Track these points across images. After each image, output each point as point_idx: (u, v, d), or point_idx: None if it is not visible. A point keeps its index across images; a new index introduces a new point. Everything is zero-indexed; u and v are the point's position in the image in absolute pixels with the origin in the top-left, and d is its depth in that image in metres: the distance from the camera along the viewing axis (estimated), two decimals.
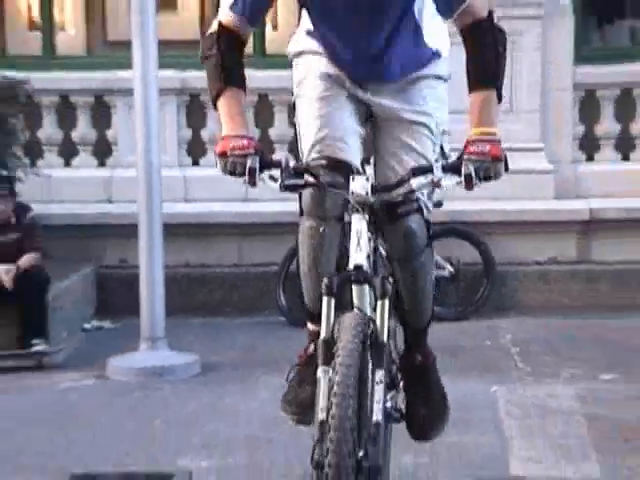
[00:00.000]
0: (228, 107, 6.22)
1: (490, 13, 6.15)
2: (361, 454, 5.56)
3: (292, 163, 6.02)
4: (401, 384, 6.68)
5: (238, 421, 10.56)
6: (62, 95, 16.83)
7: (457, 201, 14.92)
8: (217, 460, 9.82)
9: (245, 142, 6.01)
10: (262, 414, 11.55)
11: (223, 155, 6.00)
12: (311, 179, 6.04)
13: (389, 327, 6.13)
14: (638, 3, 17.67)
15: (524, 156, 15.86)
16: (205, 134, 16.48)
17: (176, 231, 14.27)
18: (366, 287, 5.98)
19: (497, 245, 15.49)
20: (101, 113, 16.76)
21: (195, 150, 16.66)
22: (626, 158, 16.48)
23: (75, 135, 16.90)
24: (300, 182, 6.06)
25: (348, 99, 6.44)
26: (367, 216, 5.89)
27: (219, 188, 14.81)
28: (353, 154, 6.20)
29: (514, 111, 15.95)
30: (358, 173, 6.05)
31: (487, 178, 5.81)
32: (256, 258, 15.42)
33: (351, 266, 5.88)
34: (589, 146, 16.52)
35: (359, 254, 5.87)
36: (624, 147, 16.51)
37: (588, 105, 16.42)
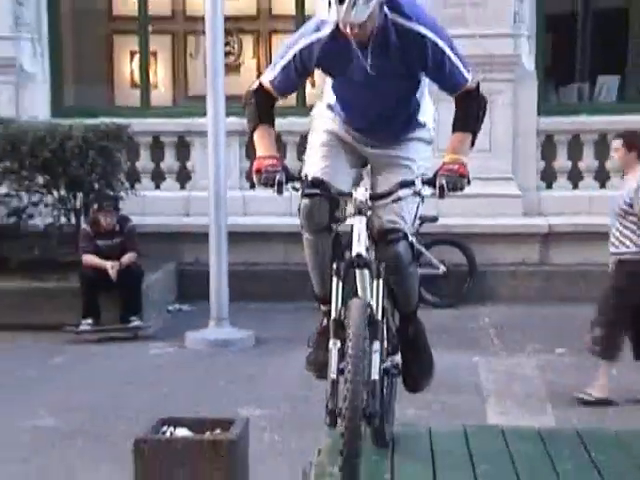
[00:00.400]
0: (261, 137, 6.22)
1: (478, 85, 6.17)
2: (365, 403, 5.62)
3: (310, 177, 6.06)
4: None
5: (282, 382, 10.39)
6: (154, 136, 16.75)
7: (449, 217, 15.04)
8: (266, 410, 9.72)
9: (274, 161, 6.05)
10: (300, 377, 11.30)
11: (258, 172, 6.05)
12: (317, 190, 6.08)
13: (387, 308, 6.32)
14: (584, 72, 17.62)
15: (499, 184, 15.80)
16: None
17: (237, 237, 14.13)
18: (365, 270, 5.98)
19: (479, 251, 15.37)
20: (182, 149, 16.62)
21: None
22: (576, 187, 16.31)
23: (163, 165, 16.80)
24: (316, 191, 6.05)
25: (348, 149, 6.51)
26: (365, 218, 5.90)
27: (270, 205, 14.88)
28: (342, 182, 6.24)
29: (492, 151, 15.72)
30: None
31: (454, 189, 5.90)
32: (297, 258, 15.10)
33: (353, 254, 5.88)
34: (548, 177, 16.37)
35: (359, 246, 5.87)
36: (574, 178, 16.33)
37: (547, 146, 16.26)
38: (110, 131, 15.49)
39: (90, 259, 14.09)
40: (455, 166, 5.95)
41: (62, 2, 17.28)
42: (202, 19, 14.22)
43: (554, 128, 16.39)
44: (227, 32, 14.22)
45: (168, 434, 6.83)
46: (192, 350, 13.43)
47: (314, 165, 6.33)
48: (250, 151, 6.45)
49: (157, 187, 16.77)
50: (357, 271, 5.97)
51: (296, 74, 6.13)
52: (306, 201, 6.14)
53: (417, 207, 6.27)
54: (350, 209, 5.94)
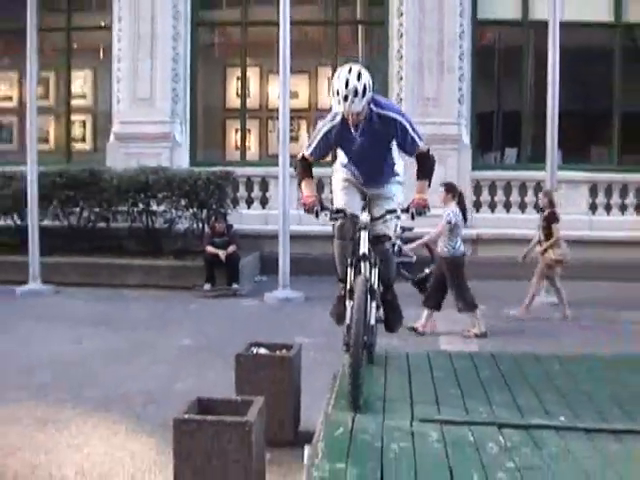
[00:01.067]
0: (305, 185, 6.40)
1: (428, 149, 6.32)
2: (365, 338, 5.77)
3: (334, 208, 6.34)
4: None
5: (320, 323, 10.34)
6: (248, 177, 16.74)
7: (419, 227, 14.70)
8: (311, 339, 9.65)
9: (313, 199, 6.21)
10: (331, 321, 11.37)
11: (304, 205, 6.24)
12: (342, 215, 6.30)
13: (377, 283, 6.40)
14: (497, 146, 17.55)
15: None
16: (322, 196, 16.26)
17: (295, 238, 14.06)
18: (367, 263, 6.05)
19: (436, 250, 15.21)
20: (263, 185, 16.63)
21: None
22: (493, 211, 16.42)
23: (253, 195, 16.90)
24: (340, 215, 6.30)
25: (356, 190, 6.58)
26: (367, 232, 6.08)
27: (312, 219, 14.66)
28: (357, 210, 6.33)
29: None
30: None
31: (420, 214, 6.20)
32: (329, 250, 15.16)
33: (360, 253, 6.03)
34: (477, 205, 16.31)
35: (364, 248, 6.03)
36: (492, 206, 16.33)
37: (477, 188, 16.21)
38: (222, 175, 15.58)
39: (210, 249, 14.18)
40: (421, 201, 6.17)
41: (198, 101, 17.40)
42: (276, 110, 14.33)
43: (480, 177, 16.34)
44: (291, 118, 14.25)
45: (254, 352, 6.98)
46: (268, 304, 13.36)
47: (338, 200, 6.55)
48: (299, 190, 6.50)
49: (248, 207, 16.73)
50: (362, 263, 6.04)
51: (324, 147, 6.31)
52: (337, 222, 6.36)
53: (396, 224, 6.58)
54: (359, 226, 6.10)
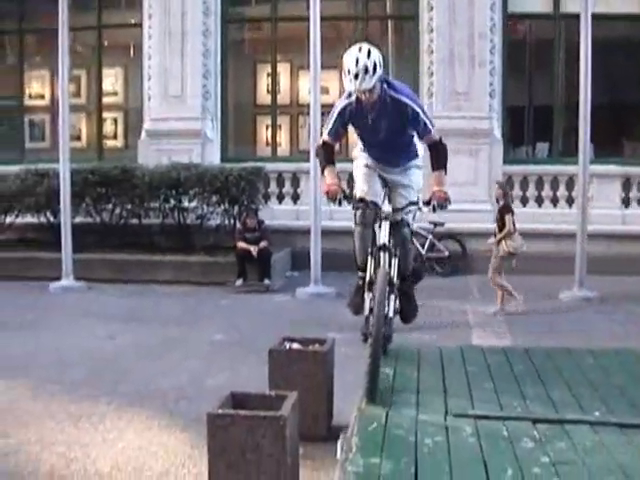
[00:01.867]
0: (328, 172, 6.37)
1: (440, 137, 6.39)
2: (383, 329, 5.72)
3: (358, 196, 6.40)
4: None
5: (351, 318, 10.31)
6: (279, 173, 16.78)
7: (451, 222, 14.84)
8: (342, 334, 9.45)
9: (336, 187, 6.25)
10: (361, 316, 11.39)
11: (327, 193, 6.27)
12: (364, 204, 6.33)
13: (396, 274, 6.37)
14: (529, 140, 17.42)
15: (480, 204, 15.64)
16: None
17: (326, 233, 13.97)
18: (387, 253, 6.09)
19: (468, 243, 15.26)
20: (295, 181, 16.63)
21: None
22: (524, 205, 16.25)
23: (284, 190, 16.91)
24: (360, 205, 6.34)
25: (377, 175, 6.59)
26: (388, 222, 6.13)
27: (343, 214, 14.65)
28: (377, 198, 6.43)
29: (476, 184, 15.69)
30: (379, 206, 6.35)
31: (441, 207, 6.26)
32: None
33: (381, 243, 6.08)
34: None
35: (385, 238, 6.07)
36: (523, 201, 16.23)
37: (509, 183, 16.06)
38: (253, 170, 15.62)
39: (241, 244, 14.23)
40: (441, 194, 6.22)
41: (229, 97, 17.45)
42: (307, 106, 14.34)
43: (512, 172, 16.26)
44: (321, 113, 14.19)
45: (287, 347, 6.98)
46: (299, 299, 13.38)
47: (359, 188, 6.60)
48: (322, 178, 6.57)
49: (280, 203, 16.77)
50: (382, 253, 6.08)
51: (341, 126, 6.34)
52: (358, 210, 6.39)
53: (415, 212, 6.56)
54: (381, 215, 6.15)
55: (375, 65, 5.86)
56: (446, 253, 15.32)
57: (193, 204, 15.43)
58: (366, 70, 5.81)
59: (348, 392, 6.72)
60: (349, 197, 6.35)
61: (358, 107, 6.13)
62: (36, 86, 18.93)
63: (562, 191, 16.15)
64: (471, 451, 4.57)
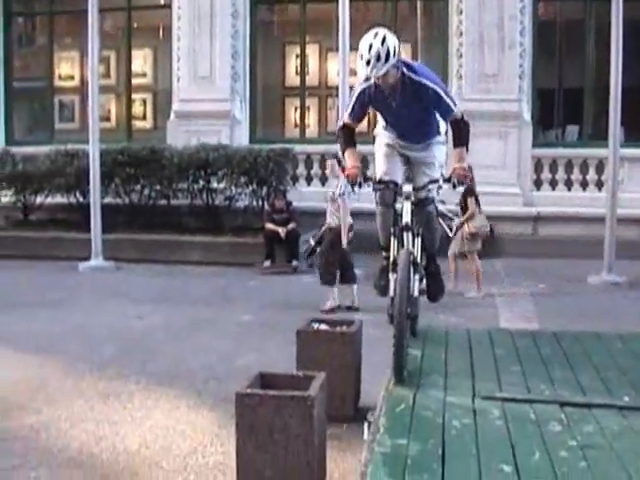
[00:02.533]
0: (349, 155, 6.27)
1: (462, 115, 6.24)
2: (408, 310, 5.72)
3: (377, 178, 6.31)
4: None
5: (381, 299, 10.20)
6: (307, 155, 16.77)
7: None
8: (369, 316, 9.31)
9: (356, 170, 6.14)
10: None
11: (348, 176, 6.16)
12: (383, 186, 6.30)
13: (420, 254, 6.30)
14: (559, 123, 17.27)
15: (509, 187, 15.61)
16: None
17: (354, 215, 13.83)
18: (410, 233, 6.05)
19: (497, 225, 15.09)
20: (323, 163, 16.57)
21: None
22: (554, 189, 16.21)
23: (312, 172, 16.87)
24: (380, 187, 6.30)
25: (397, 153, 6.49)
26: (410, 202, 6.03)
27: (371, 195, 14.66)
28: (397, 177, 6.34)
29: (505, 167, 15.62)
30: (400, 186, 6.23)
31: (461, 184, 6.16)
32: None
33: (403, 223, 6.01)
34: (537, 183, 16.16)
35: (407, 218, 6.01)
36: (553, 184, 16.14)
37: (537, 166, 16.03)
38: (282, 152, 15.64)
39: (270, 226, 14.28)
40: (461, 171, 6.06)
41: (257, 79, 17.44)
42: (335, 88, 14.35)
43: (541, 155, 16.20)
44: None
45: (316, 327, 7.00)
46: None
47: (379, 168, 6.52)
48: (343, 160, 6.38)
49: (308, 185, 16.79)
50: (405, 233, 6.04)
51: (360, 108, 6.22)
52: (378, 192, 6.37)
53: (437, 188, 6.39)
54: (402, 195, 6.09)
55: (388, 52, 5.75)
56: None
57: (222, 185, 15.48)
58: (378, 57, 5.73)
59: (375, 373, 6.72)
60: (370, 179, 6.31)
61: (377, 90, 6.04)
62: (66, 67, 19.00)
63: (592, 175, 16.06)
64: (498, 434, 4.56)
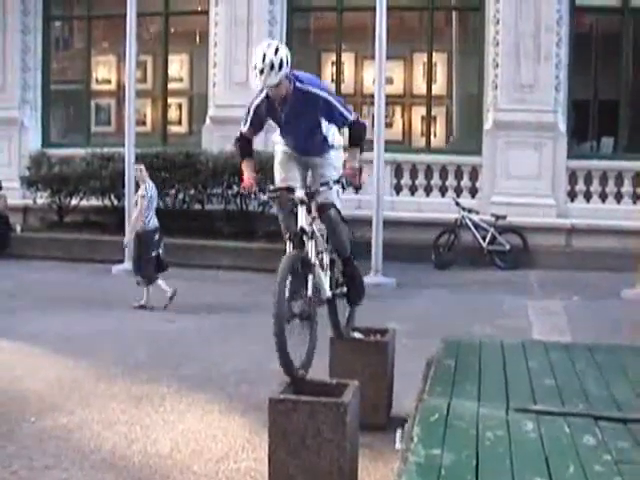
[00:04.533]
0: (245, 166, 6.33)
1: (357, 117, 6.31)
2: (301, 310, 5.81)
3: (271, 187, 6.25)
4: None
5: (411, 309, 10.28)
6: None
7: (513, 216, 14.75)
8: (402, 325, 9.30)
9: (251, 181, 6.18)
10: (425, 307, 11.35)
11: (244, 187, 6.27)
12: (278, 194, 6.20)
13: (334, 259, 6.58)
14: (593, 135, 17.14)
15: (541, 199, 15.53)
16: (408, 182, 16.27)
17: (387, 223, 13.90)
18: (305, 237, 5.99)
19: (530, 237, 15.12)
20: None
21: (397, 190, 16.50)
22: (588, 201, 16.05)
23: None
24: (274, 194, 6.20)
25: (295, 160, 6.43)
26: (304, 206, 6.00)
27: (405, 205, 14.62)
28: (295, 183, 6.25)
29: (540, 177, 15.57)
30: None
31: (350, 185, 6.32)
32: (425, 237, 15.19)
33: (298, 227, 5.96)
34: (571, 195, 16.04)
35: (301, 222, 5.96)
36: (587, 196, 16.00)
37: (572, 178, 15.93)
38: None
39: None
40: (350, 171, 6.14)
41: None
42: (371, 96, 14.35)
43: (576, 167, 16.09)
44: (386, 104, 14.21)
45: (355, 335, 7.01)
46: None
47: (276, 175, 6.51)
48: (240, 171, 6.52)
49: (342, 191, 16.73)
50: (298, 238, 5.96)
51: (257, 119, 6.25)
52: (276, 199, 6.30)
53: (337, 191, 6.34)
54: (295, 201, 6.04)
55: (281, 61, 5.81)
56: (507, 246, 15.20)
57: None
58: (272, 66, 5.77)
59: (406, 383, 6.73)
60: (264, 190, 6.31)
61: (270, 102, 6.12)
62: (103, 71, 19.13)
63: (627, 187, 15.94)
64: (532, 447, 4.53)
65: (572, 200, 16.04)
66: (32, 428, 6.61)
